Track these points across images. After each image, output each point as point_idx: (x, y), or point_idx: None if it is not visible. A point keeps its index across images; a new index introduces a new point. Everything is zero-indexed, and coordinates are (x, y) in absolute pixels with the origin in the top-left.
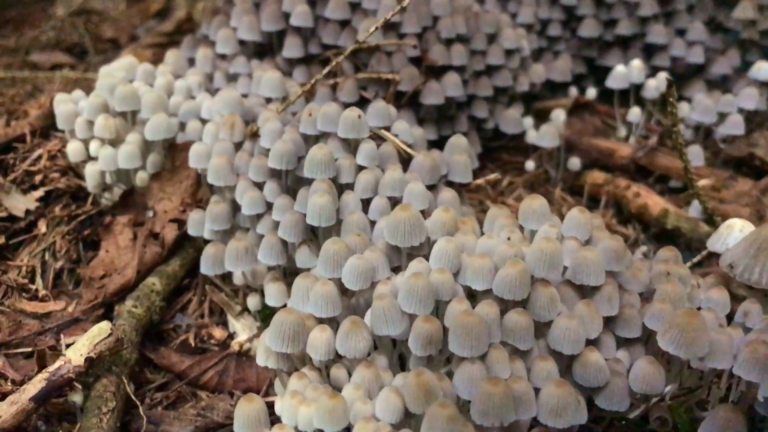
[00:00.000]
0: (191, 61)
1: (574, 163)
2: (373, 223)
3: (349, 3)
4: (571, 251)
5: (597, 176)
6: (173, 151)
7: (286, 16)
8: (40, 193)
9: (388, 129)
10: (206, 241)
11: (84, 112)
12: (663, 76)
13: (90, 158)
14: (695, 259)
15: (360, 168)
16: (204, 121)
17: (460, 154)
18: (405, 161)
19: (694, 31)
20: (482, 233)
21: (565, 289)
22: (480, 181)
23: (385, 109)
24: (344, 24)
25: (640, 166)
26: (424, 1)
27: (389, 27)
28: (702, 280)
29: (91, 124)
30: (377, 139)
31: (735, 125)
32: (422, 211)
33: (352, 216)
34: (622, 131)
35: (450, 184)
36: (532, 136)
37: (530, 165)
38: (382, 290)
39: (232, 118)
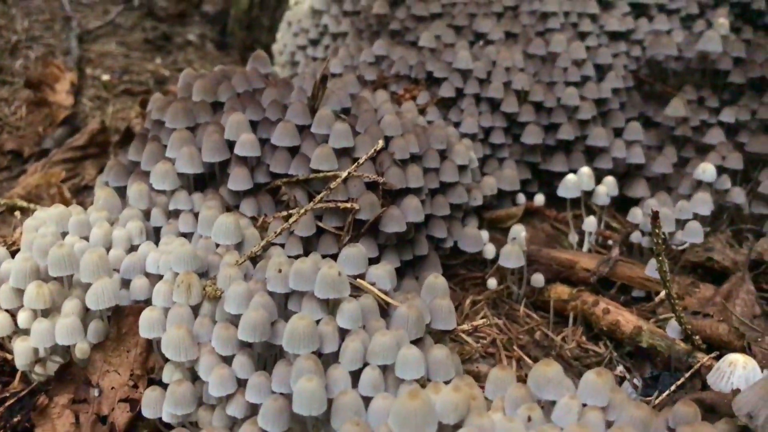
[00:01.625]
0: (122, 190)
1: (538, 279)
2: (365, 398)
3: (297, 128)
4: (595, 426)
5: (561, 291)
6: (118, 315)
7: (230, 143)
8: None
9: (363, 277)
10: (165, 424)
11: (10, 278)
12: (609, 180)
13: (18, 330)
14: (678, 382)
15: (342, 331)
16: (149, 275)
17: (441, 297)
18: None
19: (631, 131)
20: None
21: None
22: (466, 327)
23: (359, 255)
24: (294, 150)
25: (602, 277)
26: (374, 122)
27: (342, 151)
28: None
29: (19, 291)
30: (354, 290)
31: (694, 233)
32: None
33: (344, 398)
34: (575, 236)
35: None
36: (490, 252)
37: (492, 282)
38: None
39: (187, 277)
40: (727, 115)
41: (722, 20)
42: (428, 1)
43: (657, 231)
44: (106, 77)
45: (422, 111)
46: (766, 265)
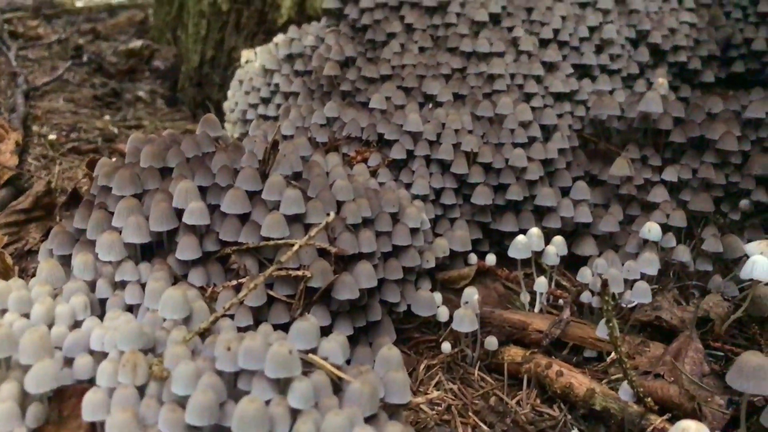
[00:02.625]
0: (67, 258)
1: (491, 342)
2: None
3: (247, 194)
4: None
5: (515, 353)
6: (60, 397)
7: (179, 211)
8: None
9: (315, 351)
10: None
11: None
12: (558, 240)
13: None
14: None
15: (294, 411)
16: (93, 352)
17: (395, 370)
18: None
19: (578, 191)
20: None
21: None
22: (421, 400)
23: (311, 329)
24: (244, 217)
25: (554, 338)
26: (325, 186)
27: (293, 218)
28: None
29: None
30: (305, 365)
31: (642, 293)
32: None
33: None
34: (526, 296)
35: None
36: (444, 314)
37: (446, 346)
38: None
39: (133, 357)
40: (670, 174)
41: (661, 80)
42: (378, 62)
43: (606, 298)
44: (52, 136)
45: (374, 173)
46: (712, 323)
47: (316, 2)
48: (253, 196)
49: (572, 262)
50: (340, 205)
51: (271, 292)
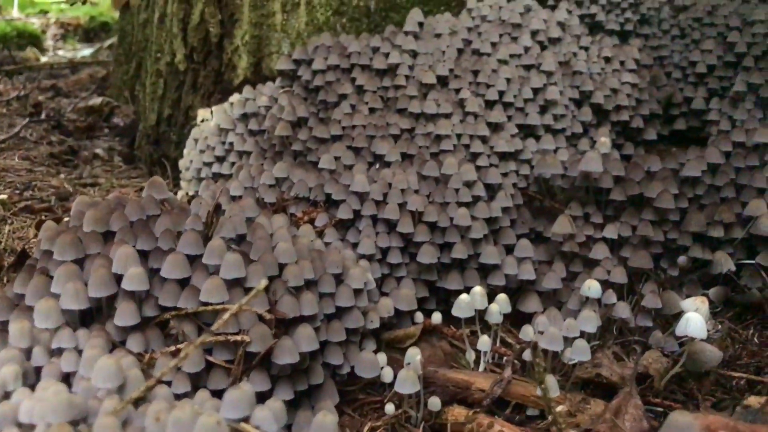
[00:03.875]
0: (4, 324)
1: (434, 402)
2: None
3: (189, 258)
4: None
5: (458, 413)
6: None
7: (118, 277)
8: None
9: (247, 420)
10: None
11: None
12: (501, 298)
13: None
14: None
15: None
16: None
17: None
18: None
19: (522, 249)
20: None
21: None
22: None
23: (243, 398)
24: (184, 282)
25: (495, 398)
26: (268, 249)
27: (234, 282)
28: None
29: None
30: None
31: (581, 351)
32: None
33: None
34: (472, 354)
35: None
36: (388, 375)
37: (390, 408)
38: None
39: (60, 429)
40: (610, 232)
41: (603, 139)
42: (329, 123)
43: (537, 361)
44: (3, 195)
45: (321, 233)
46: (652, 378)
47: (271, 63)
48: (195, 260)
49: (517, 320)
50: (282, 267)
51: (210, 358)
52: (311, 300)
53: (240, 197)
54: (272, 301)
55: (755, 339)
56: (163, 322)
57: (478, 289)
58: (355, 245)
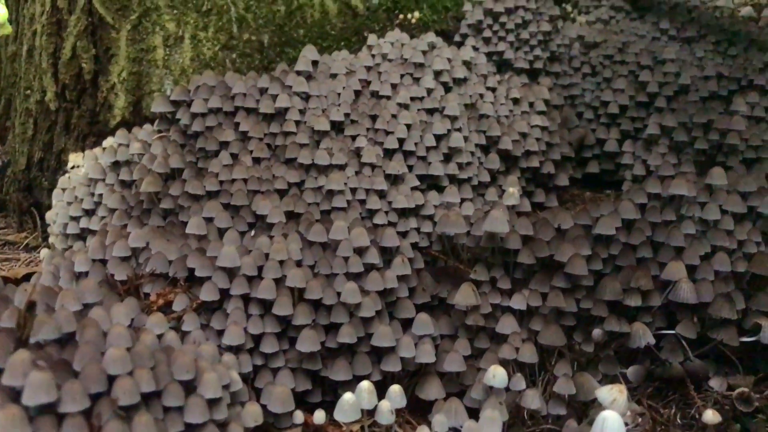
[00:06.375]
0: None
1: None
2: None
3: None
4: None
5: None
6: None
7: None
8: None
9: None
10: None
11: None
12: (394, 391)
13: None
14: None
15: None
16: None
17: None
18: None
19: (420, 325)
20: None
21: None
22: None
23: None
24: None
25: None
26: (96, 357)
27: (44, 408)
28: None
29: None
30: None
31: None
32: None
33: None
34: None
35: None
36: None
37: None
38: None
39: None
40: (518, 302)
41: (512, 189)
42: (206, 176)
43: None
44: None
45: (179, 319)
46: None
47: (152, 102)
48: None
49: (418, 407)
50: (112, 380)
51: None
52: (147, 423)
53: (87, 273)
54: (95, 427)
55: (678, 420)
56: None
57: (364, 385)
58: (221, 333)
